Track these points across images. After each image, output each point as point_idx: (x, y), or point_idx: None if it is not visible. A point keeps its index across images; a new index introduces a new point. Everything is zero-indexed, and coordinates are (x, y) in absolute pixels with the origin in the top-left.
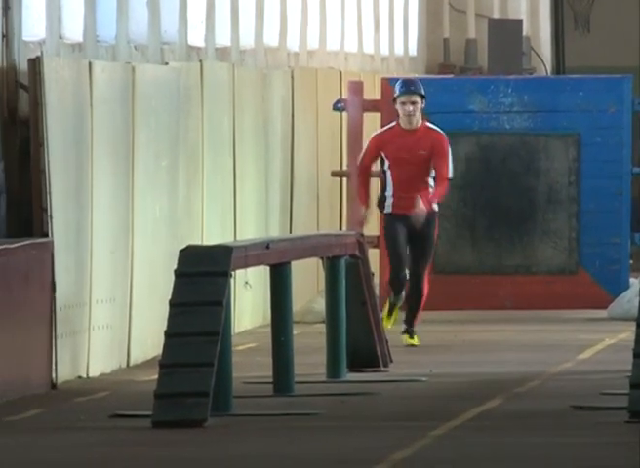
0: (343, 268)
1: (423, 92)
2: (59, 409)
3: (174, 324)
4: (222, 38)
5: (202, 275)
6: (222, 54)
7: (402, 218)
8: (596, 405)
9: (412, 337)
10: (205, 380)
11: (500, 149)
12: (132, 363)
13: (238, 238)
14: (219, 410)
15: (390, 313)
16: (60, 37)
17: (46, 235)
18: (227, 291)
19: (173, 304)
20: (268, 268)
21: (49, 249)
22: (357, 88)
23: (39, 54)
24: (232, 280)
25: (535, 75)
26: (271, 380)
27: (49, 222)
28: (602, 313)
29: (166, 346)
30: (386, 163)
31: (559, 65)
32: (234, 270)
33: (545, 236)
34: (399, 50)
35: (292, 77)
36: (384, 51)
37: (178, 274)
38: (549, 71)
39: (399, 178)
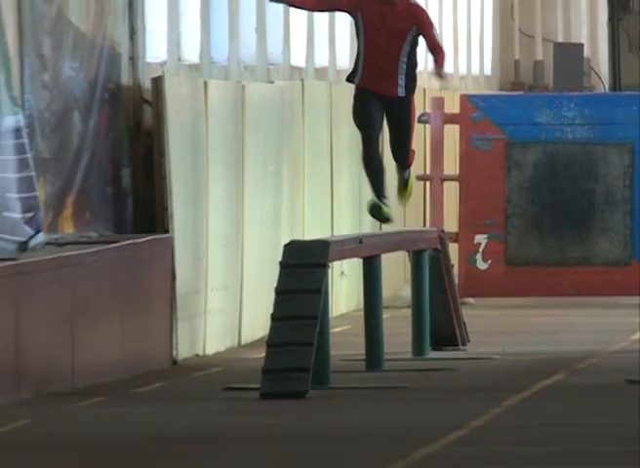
0: (427, 260)
1: None
2: (178, 383)
3: (279, 309)
4: (321, 59)
5: (303, 266)
6: (321, 73)
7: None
8: None
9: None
10: (306, 357)
11: (563, 157)
12: (242, 343)
13: (335, 234)
14: (318, 384)
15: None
16: (179, 59)
17: (167, 231)
18: (325, 280)
19: (278, 292)
20: (361, 260)
21: (169, 243)
22: (439, 103)
23: (161, 73)
24: (330, 270)
25: (594, 92)
26: (364, 358)
27: (169, 220)
28: None
29: (272, 328)
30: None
31: (615, 83)
32: (331, 262)
33: (603, 232)
34: (475, 70)
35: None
36: (463, 71)
37: (282, 265)
38: (607, 88)
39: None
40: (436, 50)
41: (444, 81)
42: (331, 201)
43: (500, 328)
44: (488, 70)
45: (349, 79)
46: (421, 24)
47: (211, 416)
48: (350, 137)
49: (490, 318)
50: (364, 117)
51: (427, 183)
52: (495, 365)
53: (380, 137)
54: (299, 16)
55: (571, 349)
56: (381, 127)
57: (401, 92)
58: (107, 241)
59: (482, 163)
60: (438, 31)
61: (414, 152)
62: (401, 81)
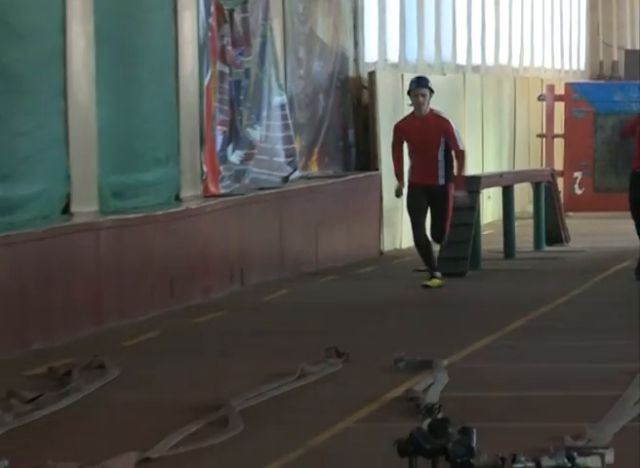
0: (543, 188)
1: (431, 87)
2: (384, 267)
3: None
4: (476, 59)
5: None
6: (476, 69)
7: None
8: None
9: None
10: (466, 250)
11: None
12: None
13: (484, 171)
14: (473, 267)
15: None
16: (385, 60)
17: (377, 170)
18: (478, 200)
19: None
20: (501, 188)
21: (379, 177)
22: (551, 88)
23: (374, 69)
24: (481, 195)
25: None
26: (502, 251)
27: (379, 163)
28: None
29: None
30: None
31: None
32: (482, 189)
33: None
34: (574, 66)
35: (514, 83)
36: (566, 67)
37: None
38: None
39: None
40: (458, 157)
41: (463, 199)
42: (482, 150)
43: (590, 231)
44: (582, 67)
45: None
46: (447, 134)
47: (404, 289)
48: (496, 110)
49: (583, 225)
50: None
51: (544, 140)
52: (586, 255)
53: None
54: (463, 28)
55: (636, 245)
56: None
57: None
58: (339, 176)
59: (578, 126)
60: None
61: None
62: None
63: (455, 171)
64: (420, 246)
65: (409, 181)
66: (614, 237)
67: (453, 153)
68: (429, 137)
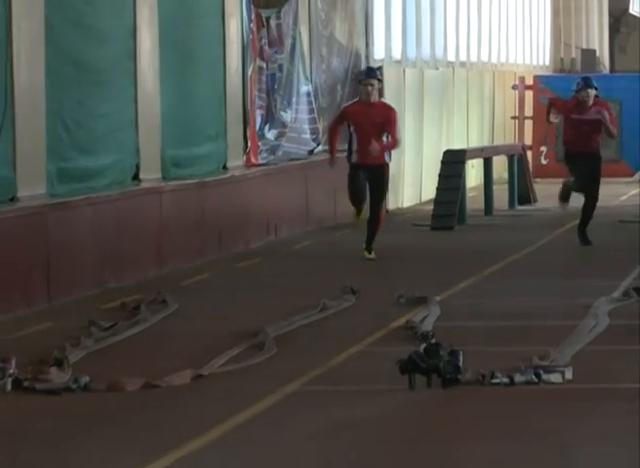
0: (516, 160)
1: (380, 78)
2: (391, 221)
3: (440, 184)
4: (463, 56)
5: (453, 162)
6: (463, 64)
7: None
8: None
9: (370, 253)
10: (454, 208)
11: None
12: (422, 201)
13: (469, 146)
14: (460, 222)
15: (358, 214)
16: (390, 57)
17: None
18: (464, 169)
19: (440, 175)
20: (482, 160)
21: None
22: (522, 80)
23: (381, 65)
24: (466, 164)
25: (601, 73)
26: (483, 209)
27: None
28: None
29: (437, 194)
30: (352, 127)
31: (612, 69)
32: (468, 160)
33: None
34: (541, 62)
35: (493, 75)
36: (534, 63)
37: (442, 162)
38: (608, 71)
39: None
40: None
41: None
42: (467, 128)
43: (554, 193)
44: (547, 63)
45: None
46: (388, 122)
47: (405, 239)
48: (477, 98)
49: (548, 189)
50: None
51: (516, 121)
52: (550, 213)
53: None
54: (452, 31)
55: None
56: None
57: None
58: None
59: (544, 110)
60: None
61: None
62: None
63: (387, 145)
64: (359, 205)
65: (352, 162)
66: (572, 199)
67: (388, 138)
68: (376, 121)
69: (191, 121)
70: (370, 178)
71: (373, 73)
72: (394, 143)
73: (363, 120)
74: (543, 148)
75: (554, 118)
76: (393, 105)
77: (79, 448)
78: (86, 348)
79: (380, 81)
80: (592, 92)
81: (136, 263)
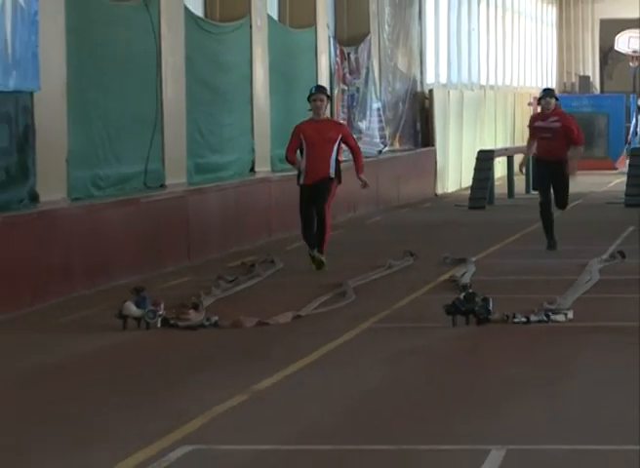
0: (530, 157)
1: (328, 94)
2: (437, 203)
3: (476, 174)
4: (492, 80)
5: (485, 159)
6: (492, 87)
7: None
8: None
9: (316, 259)
10: (484, 193)
11: (583, 117)
12: (462, 187)
13: (496, 147)
14: (489, 203)
15: (314, 261)
16: (438, 81)
17: (433, 146)
18: (493, 164)
19: (475, 168)
20: (506, 157)
21: (434, 151)
22: (535, 98)
23: (432, 87)
24: (495, 160)
25: (593, 94)
26: (507, 194)
27: (434, 142)
28: None
29: (473, 182)
30: (304, 144)
31: (602, 90)
32: (495, 157)
33: None
34: (549, 85)
35: (514, 96)
36: (544, 85)
37: (477, 158)
38: (598, 92)
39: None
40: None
41: (367, 186)
42: (495, 134)
43: None
44: (554, 85)
45: None
46: (345, 136)
47: (448, 215)
48: (501, 113)
49: None
50: None
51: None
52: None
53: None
54: (484, 62)
55: (587, 190)
56: None
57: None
58: (411, 149)
59: None
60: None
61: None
62: None
63: (356, 167)
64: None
65: (300, 183)
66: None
67: (349, 152)
68: (327, 137)
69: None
70: (315, 193)
71: (321, 89)
72: (358, 153)
73: (314, 135)
74: None
75: (528, 153)
76: (344, 122)
77: (210, 369)
78: (215, 295)
79: (329, 98)
80: (552, 100)
81: (251, 233)
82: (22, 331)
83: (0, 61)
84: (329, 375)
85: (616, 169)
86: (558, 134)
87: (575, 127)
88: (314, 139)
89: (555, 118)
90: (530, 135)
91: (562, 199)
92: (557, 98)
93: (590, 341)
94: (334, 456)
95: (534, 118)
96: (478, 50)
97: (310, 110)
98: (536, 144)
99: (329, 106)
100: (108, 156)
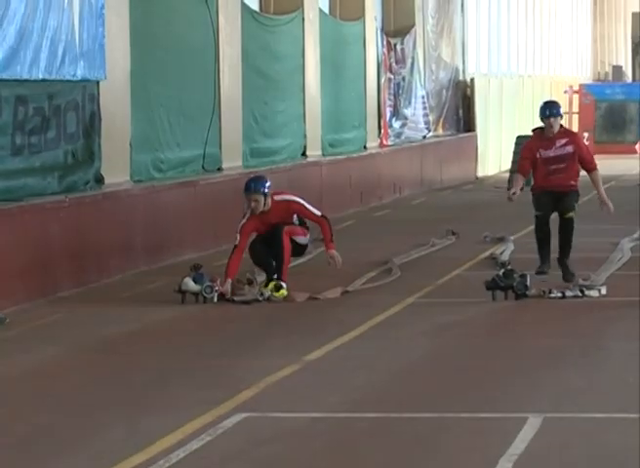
0: None
1: (265, 191)
2: (478, 185)
3: (515, 158)
4: (529, 70)
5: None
6: (530, 76)
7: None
8: None
9: (277, 289)
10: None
11: (615, 105)
12: (502, 169)
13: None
14: (527, 185)
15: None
16: (479, 70)
17: (474, 131)
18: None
19: (514, 152)
20: None
21: (475, 136)
22: (571, 86)
23: (473, 76)
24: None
25: (626, 82)
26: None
27: (475, 128)
28: None
29: (512, 165)
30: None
31: (634, 79)
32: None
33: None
34: (584, 74)
35: (551, 84)
36: (580, 75)
37: (516, 143)
38: (631, 80)
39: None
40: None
41: (337, 263)
42: (532, 120)
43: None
44: (589, 74)
45: None
46: (301, 213)
47: (488, 196)
48: (539, 100)
49: None
50: None
51: (567, 115)
52: (587, 178)
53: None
54: (523, 52)
55: (615, 171)
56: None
57: None
58: (453, 134)
59: (586, 107)
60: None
61: None
62: None
63: (326, 238)
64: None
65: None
66: (605, 169)
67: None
68: (273, 223)
69: (342, 115)
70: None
71: (257, 187)
72: (325, 221)
73: (261, 229)
74: (585, 134)
75: (516, 188)
76: (291, 198)
77: (264, 340)
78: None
79: (266, 196)
80: (558, 120)
81: None
82: (89, 304)
83: (69, 52)
84: (376, 347)
85: None
86: (571, 159)
87: (586, 147)
88: (261, 233)
89: (564, 140)
90: (520, 166)
91: (566, 243)
92: (561, 116)
93: (622, 315)
94: (380, 423)
95: (531, 146)
96: (517, 41)
97: (247, 209)
98: (531, 176)
99: (377, 94)
100: (169, 141)
